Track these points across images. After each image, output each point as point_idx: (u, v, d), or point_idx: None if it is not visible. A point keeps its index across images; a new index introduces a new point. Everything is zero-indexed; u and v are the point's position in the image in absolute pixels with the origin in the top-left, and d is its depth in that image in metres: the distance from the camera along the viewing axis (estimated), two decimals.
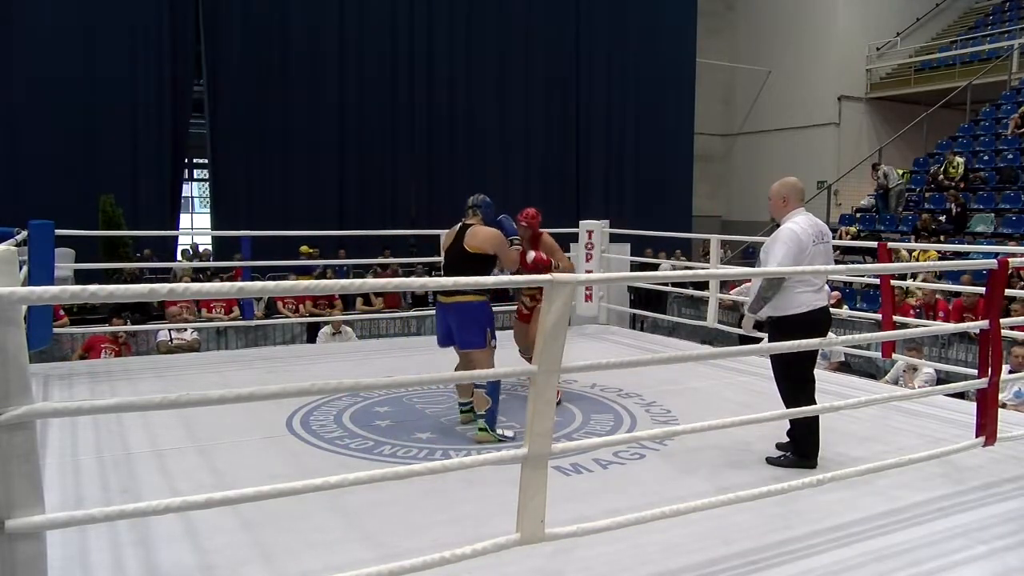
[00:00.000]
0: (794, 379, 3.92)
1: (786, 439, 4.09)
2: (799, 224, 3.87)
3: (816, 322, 3.87)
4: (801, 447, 3.94)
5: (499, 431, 4.34)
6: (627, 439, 3.60)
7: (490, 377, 3.70)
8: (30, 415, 1.82)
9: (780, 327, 3.87)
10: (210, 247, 15.50)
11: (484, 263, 4.39)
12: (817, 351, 4.12)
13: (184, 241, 15.63)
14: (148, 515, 2.28)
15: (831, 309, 4.12)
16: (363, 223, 14.57)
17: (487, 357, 4.37)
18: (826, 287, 4.04)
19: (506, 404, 5.16)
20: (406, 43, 16.83)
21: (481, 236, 4.39)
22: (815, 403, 3.86)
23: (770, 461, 3.96)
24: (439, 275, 8.23)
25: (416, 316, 10.78)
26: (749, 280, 11.02)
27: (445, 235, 4.62)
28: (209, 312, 10.49)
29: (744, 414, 3.85)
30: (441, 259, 4.65)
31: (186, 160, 15.70)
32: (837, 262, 12.60)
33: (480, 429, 4.33)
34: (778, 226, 4.00)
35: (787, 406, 3.84)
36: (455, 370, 4.46)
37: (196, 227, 15.73)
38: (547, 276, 2.37)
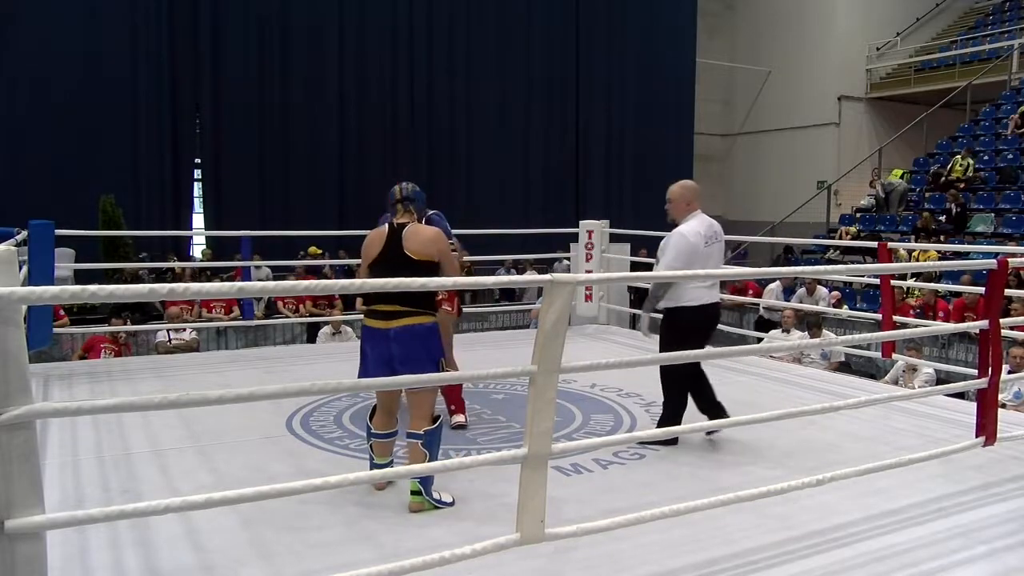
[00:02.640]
0: (678, 368, 4.14)
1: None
2: (691, 228, 4.16)
3: (707, 316, 4.25)
4: (668, 413, 4.24)
5: (436, 495, 3.36)
6: (627, 439, 3.61)
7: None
8: (30, 415, 1.82)
9: (672, 318, 4.22)
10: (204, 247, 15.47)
11: (432, 273, 3.34)
12: (704, 344, 4.34)
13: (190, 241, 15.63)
14: (148, 515, 2.28)
15: (832, 308, 4.14)
16: (363, 223, 14.56)
17: (434, 397, 3.54)
18: (717, 285, 4.40)
19: (506, 404, 5.17)
20: (406, 43, 16.85)
21: (425, 238, 3.44)
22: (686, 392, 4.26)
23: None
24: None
25: None
26: (775, 280, 11.02)
27: (370, 239, 3.53)
28: (209, 312, 10.49)
29: (744, 414, 3.86)
30: (363, 270, 3.59)
31: (196, 160, 15.70)
32: (837, 262, 12.69)
33: (413, 492, 3.32)
34: (674, 227, 4.26)
35: (665, 391, 4.27)
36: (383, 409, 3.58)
37: (195, 227, 15.70)
38: (547, 276, 2.37)
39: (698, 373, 4.36)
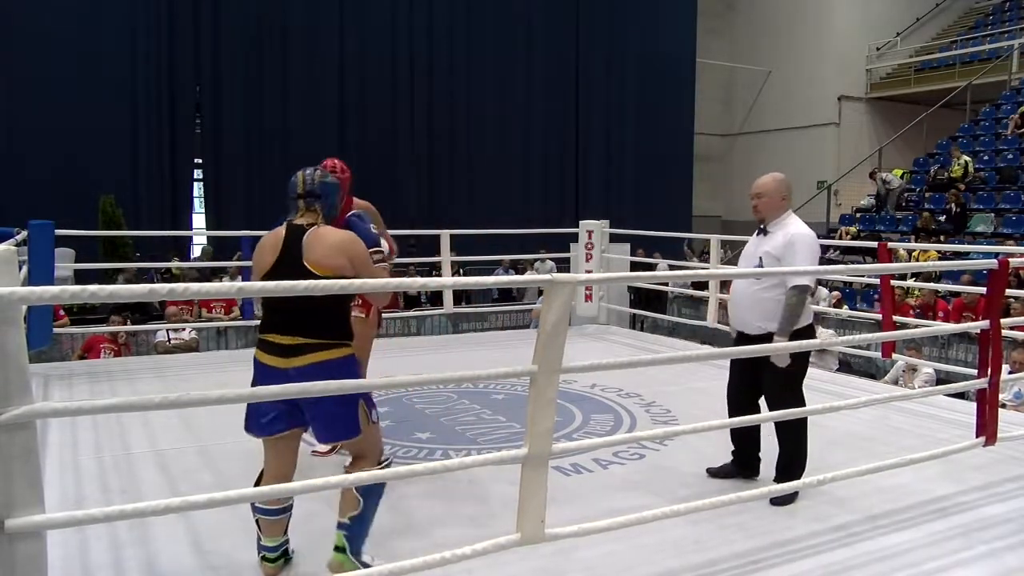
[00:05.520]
0: (798, 393, 3.55)
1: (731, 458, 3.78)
2: (809, 229, 3.56)
3: (814, 333, 3.74)
4: (796, 469, 3.50)
5: (367, 557, 2.73)
6: (627, 439, 3.60)
7: (376, 479, 2.57)
8: (30, 415, 1.82)
9: (800, 340, 3.48)
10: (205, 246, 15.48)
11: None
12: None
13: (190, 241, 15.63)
14: (148, 515, 2.28)
15: (832, 309, 4.04)
16: None
17: (373, 437, 2.79)
18: None
19: (506, 404, 5.16)
20: (406, 43, 16.85)
21: (331, 244, 2.66)
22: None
23: (775, 502, 3.40)
24: (437, 276, 8.14)
25: (416, 316, 10.79)
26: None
27: (261, 245, 2.78)
28: (209, 312, 10.49)
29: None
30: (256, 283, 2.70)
31: (196, 160, 15.70)
32: (837, 262, 12.69)
33: (337, 548, 2.70)
34: (763, 228, 3.63)
35: (787, 430, 3.49)
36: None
37: (195, 227, 15.70)
38: (547, 276, 2.37)
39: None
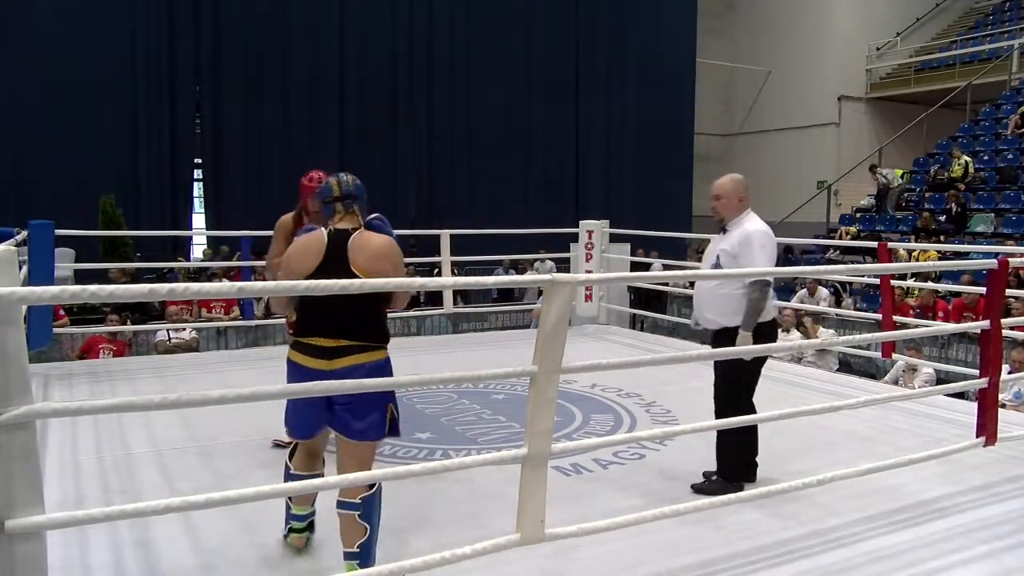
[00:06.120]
0: (744, 392, 3.58)
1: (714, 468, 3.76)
2: (766, 226, 3.63)
3: (775, 330, 3.78)
4: (730, 468, 3.59)
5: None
6: (627, 439, 3.60)
7: (375, 479, 2.61)
8: (30, 415, 1.82)
9: (755, 336, 3.51)
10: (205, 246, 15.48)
11: (384, 295, 2.73)
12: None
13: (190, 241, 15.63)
14: (148, 515, 2.28)
15: (832, 308, 4.03)
16: None
17: (374, 451, 2.89)
18: None
19: (506, 404, 5.17)
20: (406, 43, 16.86)
21: (375, 249, 2.71)
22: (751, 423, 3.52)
23: (696, 488, 3.54)
24: (437, 276, 8.12)
25: (416, 316, 10.78)
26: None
27: (298, 249, 2.77)
28: (209, 312, 10.49)
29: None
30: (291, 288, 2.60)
31: (195, 160, 15.71)
32: (837, 262, 12.67)
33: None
34: (723, 227, 3.71)
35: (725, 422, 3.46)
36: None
37: (195, 227, 15.70)
38: (547, 276, 2.37)
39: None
